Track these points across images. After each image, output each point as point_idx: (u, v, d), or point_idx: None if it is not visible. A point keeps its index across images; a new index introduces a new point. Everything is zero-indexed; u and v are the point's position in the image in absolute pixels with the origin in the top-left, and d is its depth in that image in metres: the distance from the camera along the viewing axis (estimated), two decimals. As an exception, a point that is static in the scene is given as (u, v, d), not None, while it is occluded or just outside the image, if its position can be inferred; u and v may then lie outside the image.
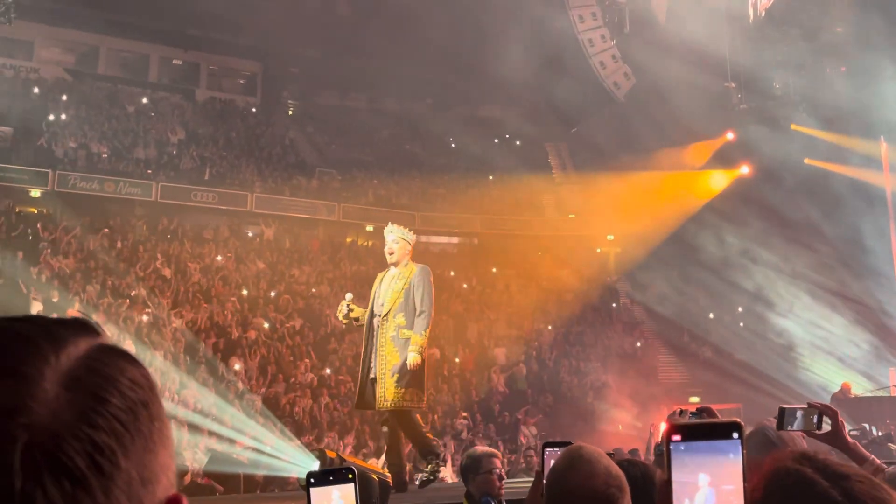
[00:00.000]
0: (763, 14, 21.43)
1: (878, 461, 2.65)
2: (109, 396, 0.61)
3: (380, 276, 6.29)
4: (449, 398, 17.64)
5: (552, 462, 1.93)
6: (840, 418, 2.68)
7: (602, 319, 23.42)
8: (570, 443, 1.98)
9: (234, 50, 30.71)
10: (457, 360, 19.72)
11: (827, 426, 2.67)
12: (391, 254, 6.10)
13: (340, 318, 6.14)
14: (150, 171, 24.11)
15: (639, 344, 23.16)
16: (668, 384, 21.36)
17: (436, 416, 16.25)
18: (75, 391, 0.60)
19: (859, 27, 18.30)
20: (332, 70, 29.91)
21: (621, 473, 1.85)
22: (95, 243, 19.69)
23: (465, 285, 24.58)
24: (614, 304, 25.18)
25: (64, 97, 26.10)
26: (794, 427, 2.70)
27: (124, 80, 29.23)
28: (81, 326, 0.67)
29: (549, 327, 23.05)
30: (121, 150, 24.58)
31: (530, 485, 2.40)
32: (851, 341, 19.02)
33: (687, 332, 22.29)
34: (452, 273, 25.06)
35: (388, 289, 6.01)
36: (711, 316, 22.74)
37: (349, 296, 6.21)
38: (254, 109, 30.80)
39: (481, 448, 4.39)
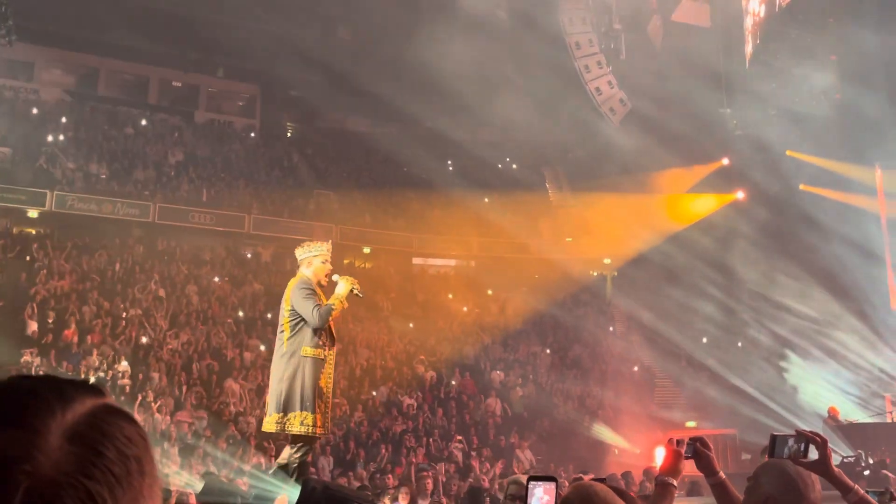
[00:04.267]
0: (759, 41, 21.65)
1: (862, 492, 2.67)
2: (106, 451, 0.67)
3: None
4: (444, 422, 17.58)
5: (534, 494, 1.94)
6: (828, 448, 2.70)
7: (599, 343, 23.39)
8: (553, 477, 2.00)
9: (234, 73, 30.94)
10: (453, 382, 19.68)
11: (814, 454, 2.69)
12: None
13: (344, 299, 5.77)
14: (147, 193, 24.17)
15: (636, 368, 23.12)
16: (665, 407, 21.31)
17: (431, 440, 16.20)
18: (77, 445, 0.66)
19: (853, 55, 18.49)
20: (332, 93, 30.09)
21: None
22: (92, 264, 19.70)
23: (464, 308, 24.59)
24: (611, 328, 25.17)
25: (63, 118, 26.23)
26: (785, 454, 2.73)
27: (124, 101, 29.40)
28: (89, 388, 0.74)
29: (547, 350, 23.04)
30: (119, 172, 24.66)
31: None
32: (847, 367, 19.02)
33: (684, 356, 22.27)
34: (451, 296, 25.07)
35: None
36: (705, 340, 22.74)
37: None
38: (252, 133, 30.94)
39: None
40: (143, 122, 28.34)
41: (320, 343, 5.61)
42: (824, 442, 2.70)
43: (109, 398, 0.75)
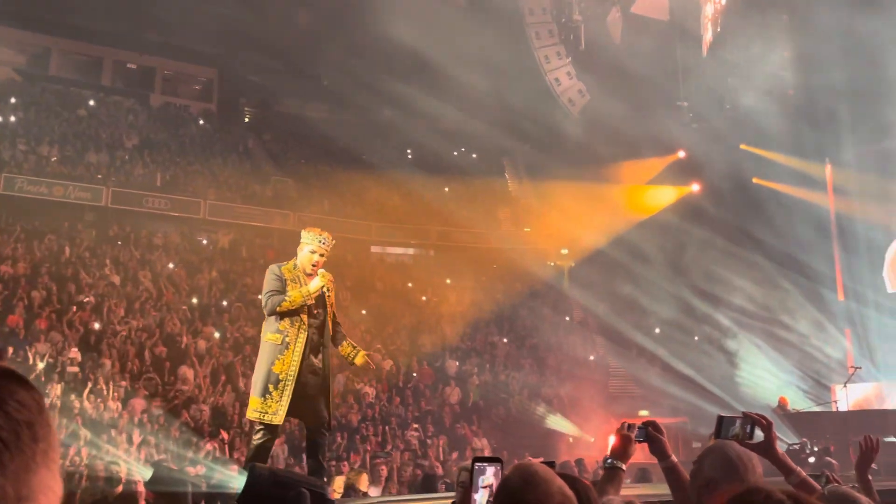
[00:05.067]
0: (715, 36, 21.95)
1: (804, 474, 2.74)
2: None
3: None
4: (402, 410, 17.60)
5: (481, 478, 1.94)
6: (773, 430, 2.76)
7: (555, 333, 23.61)
8: (498, 459, 2.00)
9: (191, 55, 30.37)
10: (414, 374, 19.70)
11: (759, 437, 2.76)
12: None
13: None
14: (100, 176, 23.66)
15: (591, 357, 23.39)
16: (618, 397, 21.61)
17: (387, 428, 16.21)
18: None
19: (805, 51, 18.85)
20: (290, 79, 29.77)
21: (572, 494, 1.85)
22: (42, 248, 19.25)
23: (423, 297, 24.59)
24: (567, 318, 25.42)
25: (13, 99, 25.53)
26: (730, 435, 2.79)
27: (77, 82, 28.70)
28: None
29: (504, 340, 23.19)
30: (71, 154, 24.08)
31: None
32: (796, 358, 19.47)
33: (638, 347, 22.59)
34: (410, 285, 25.06)
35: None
36: (658, 331, 23.09)
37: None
38: (209, 118, 30.42)
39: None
40: (97, 105, 27.71)
41: (280, 328, 5.57)
42: (769, 424, 2.76)
43: (4, 362, 0.72)
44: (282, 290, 5.61)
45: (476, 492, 1.96)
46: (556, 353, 22.59)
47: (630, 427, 3.04)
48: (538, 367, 21.90)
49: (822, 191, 19.87)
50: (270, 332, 5.58)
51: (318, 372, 5.66)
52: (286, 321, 5.58)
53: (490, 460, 2.01)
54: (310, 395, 5.60)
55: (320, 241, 5.75)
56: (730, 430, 2.81)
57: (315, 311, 5.69)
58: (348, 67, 25.80)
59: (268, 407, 5.45)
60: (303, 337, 5.58)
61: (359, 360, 5.88)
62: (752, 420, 2.79)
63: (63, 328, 15.75)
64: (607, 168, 24.65)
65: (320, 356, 5.68)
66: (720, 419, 2.85)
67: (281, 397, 5.45)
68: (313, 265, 5.71)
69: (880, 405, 14.73)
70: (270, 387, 5.46)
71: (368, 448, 14.68)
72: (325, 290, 5.77)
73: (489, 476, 1.96)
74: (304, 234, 5.88)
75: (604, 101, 22.27)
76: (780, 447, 2.90)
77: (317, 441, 5.66)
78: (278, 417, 5.47)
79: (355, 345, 5.97)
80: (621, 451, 2.93)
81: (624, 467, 2.95)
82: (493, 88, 24.59)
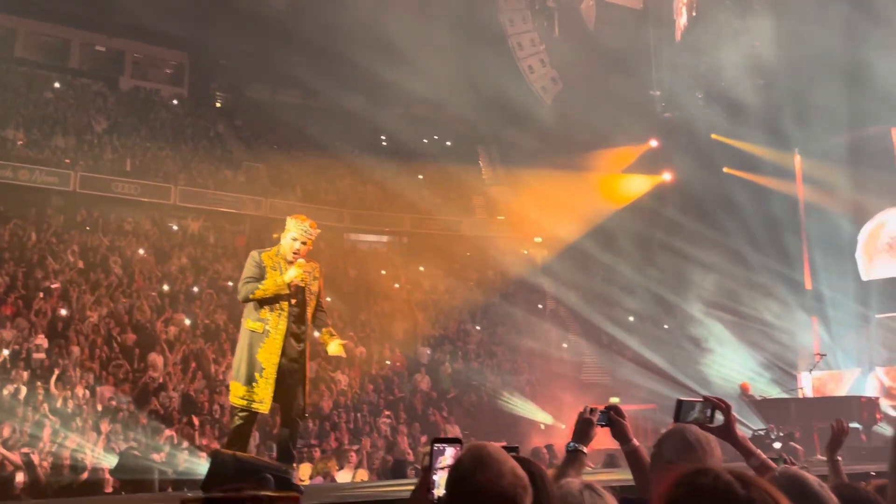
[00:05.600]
0: (689, 20, 22.05)
1: (764, 456, 2.77)
2: None
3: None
4: (374, 397, 17.60)
5: (440, 459, 1.93)
6: (732, 413, 2.79)
7: (528, 320, 23.70)
8: (458, 440, 2.00)
9: (161, 39, 29.88)
10: (387, 362, 19.69)
11: (720, 420, 2.78)
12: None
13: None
14: (68, 161, 23.27)
15: (564, 345, 23.53)
16: (591, 385, 21.77)
17: (359, 415, 16.20)
18: None
19: (777, 42, 19.02)
20: (263, 63, 29.42)
21: (524, 474, 1.87)
22: (8, 233, 18.92)
23: (395, 285, 24.55)
24: (540, 306, 25.53)
25: (-23, 80, 24.99)
26: (690, 419, 2.81)
27: (43, 64, 28.13)
28: None
29: (476, 327, 23.24)
30: (38, 138, 23.63)
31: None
32: (763, 346, 19.73)
33: (606, 334, 22.76)
34: (383, 272, 25.00)
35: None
36: (632, 319, 23.28)
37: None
38: (176, 101, 30.00)
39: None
40: (64, 87, 27.21)
41: (261, 317, 5.58)
42: (728, 408, 2.79)
43: None
44: (259, 278, 5.61)
45: (435, 473, 1.96)
46: (528, 341, 22.69)
47: (592, 411, 3.06)
48: (511, 355, 22.00)
49: (792, 180, 20.11)
50: (252, 320, 5.59)
51: (298, 360, 5.66)
52: (266, 309, 5.59)
53: (449, 441, 2.01)
54: (288, 382, 5.61)
55: (303, 230, 5.74)
56: (689, 413, 2.83)
57: (293, 301, 5.67)
58: (321, 52, 25.56)
59: (254, 395, 5.46)
60: (283, 325, 5.58)
61: (331, 351, 5.86)
62: (711, 404, 2.81)
63: (30, 315, 15.51)
64: (581, 156, 24.74)
65: (300, 344, 5.69)
66: (679, 403, 2.87)
67: (267, 385, 5.47)
68: (294, 252, 5.70)
69: (840, 392, 15.01)
70: (256, 375, 5.48)
71: (339, 435, 14.66)
72: (308, 278, 5.75)
73: (448, 457, 1.95)
74: (288, 220, 5.87)
75: (577, 89, 22.32)
76: (746, 433, 2.94)
77: (290, 428, 5.66)
78: (265, 406, 5.49)
79: (334, 333, 5.94)
80: (582, 434, 2.95)
81: (586, 451, 2.96)
82: (467, 75, 24.54)
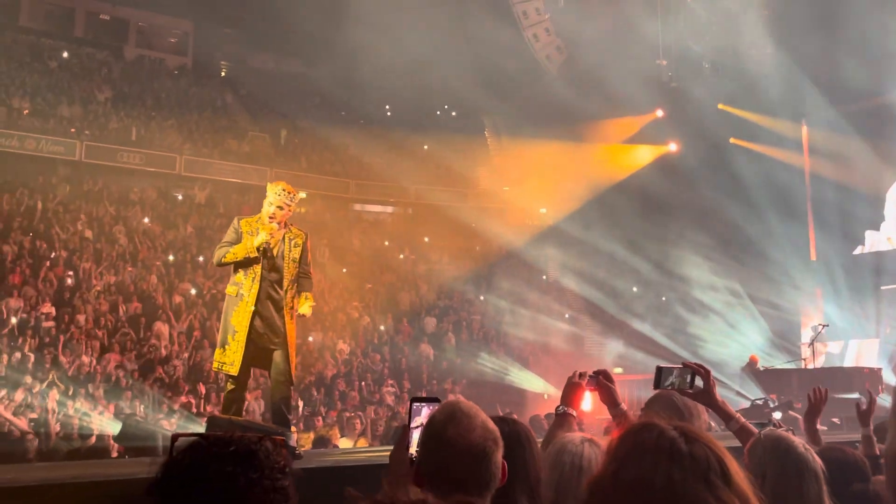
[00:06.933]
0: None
1: (743, 419, 2.81)
2: None
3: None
4: (379, 366, 17.73)
5: (417, 418, 1.99)
6: (712, 378, 2.83)
7: (532, 291, 23.74)
8: (436, 399, 2.05)
9: (166, 7, 29.71)
10: (382, 327, 19.78)
11: (699, 385, 2.82)
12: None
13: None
14: (73, 130, 23.28)
15: (567, 315, 23.57)
16: (593, 356, 21.83)
17: (364, 384, 16.34)
18: None
19: (785, 11, 18.78)
20: (267, 32, 29.25)
21: (496, 428, 1.94)
22: (13, 202, 19.01)
23: (400, 255, 24.60)
24: (544, 277, 25.54)
25: (-18, 50, 24.95)
26: (667, 385, 2.85)
27: (48, 33, 28.03)
28: None
29: (481, 297, 23.30)
30: (43, 107, 23.64)
31: None
32: (768, 318, 19.75)
33: (614, 306, 22.76)
34: (387, 243, 25.04)
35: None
36: (635, 290, 23.28)
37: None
38: (184, 71, 29.90)
39: None
40: (69, 56, 27.13)
41: (235, 280, 5.69)
42: (707, 373, 2.82)
43: None
44: (234, 243, 5.69)
45: (413, 431, 2.01)
46: (532, 310, 22.74)
47: (581, 375, 3.11)
48: (514, 325, 22.06)
49: (799, 151, 19.99)
50: (229, 285, 5.74)
51: (276, 325, 5.67)
52: (240, 273, 5.69)
53: (427, 400, 2.06)
54: (269, 347, 5.67)
55: (277, 193, 5.75)
56: (667, 379, 2.87)
57: (268, 266, 5.70)
58: (325, 21, 25.37)
59: (226, 357, 5.56)
60: (255, 289, 5.63)
61: (300, 311, 5.84)
62: (691, 370, 2.85)
63: (37, 283, 15.64)
64: (586, 127, 24.55)
65: (280, 310, 5.70)
66: (659, 370, 2.91)
67: (238, 348, 5.53)
68: (270, 217, 5.72)
69: (843, 363, 15.04)
70: (229, 338, 5.58)
71: (343, 405, 14.81)
72: (280, 243, 5.74)
73: (423, 416, 2.00)
74: (273, 188, 5.89)
75: (583, 58, 22.12)
76: (745, 403, 2.97)
77: (279, 392, 5.72)
78: (234, 368, 5.54)
79: (309, 296, 5.94)
80: (570, 398, 3.00)
81: (574, 413, 3.01)
82: (473, 45, 24.33)
